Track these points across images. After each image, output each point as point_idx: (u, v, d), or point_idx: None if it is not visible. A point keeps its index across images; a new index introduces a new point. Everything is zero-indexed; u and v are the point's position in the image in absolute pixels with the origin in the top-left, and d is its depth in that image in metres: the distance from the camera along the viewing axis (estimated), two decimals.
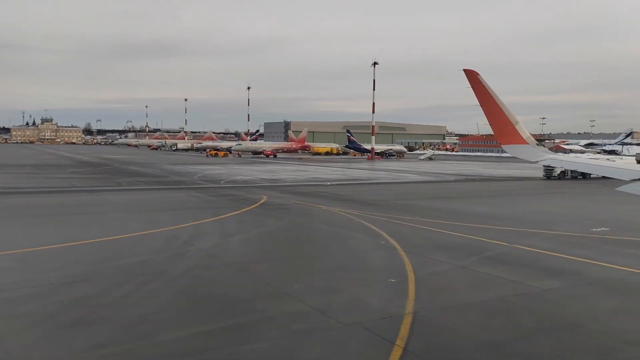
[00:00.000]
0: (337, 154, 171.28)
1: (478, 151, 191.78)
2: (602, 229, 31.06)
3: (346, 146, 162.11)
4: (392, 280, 18.84)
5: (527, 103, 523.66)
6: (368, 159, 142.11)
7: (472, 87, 14.46)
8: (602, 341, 13.55)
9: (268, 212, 36.54)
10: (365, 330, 13.76)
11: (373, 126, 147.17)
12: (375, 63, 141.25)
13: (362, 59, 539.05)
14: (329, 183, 61.46)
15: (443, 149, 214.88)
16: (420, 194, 51.66)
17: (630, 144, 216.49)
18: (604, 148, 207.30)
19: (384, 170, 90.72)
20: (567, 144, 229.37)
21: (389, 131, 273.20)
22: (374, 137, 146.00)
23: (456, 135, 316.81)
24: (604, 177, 68.84)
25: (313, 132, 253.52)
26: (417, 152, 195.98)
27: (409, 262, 21.62)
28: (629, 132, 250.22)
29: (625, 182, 12.65)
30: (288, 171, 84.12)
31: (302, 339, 13.18)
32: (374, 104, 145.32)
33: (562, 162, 16.45)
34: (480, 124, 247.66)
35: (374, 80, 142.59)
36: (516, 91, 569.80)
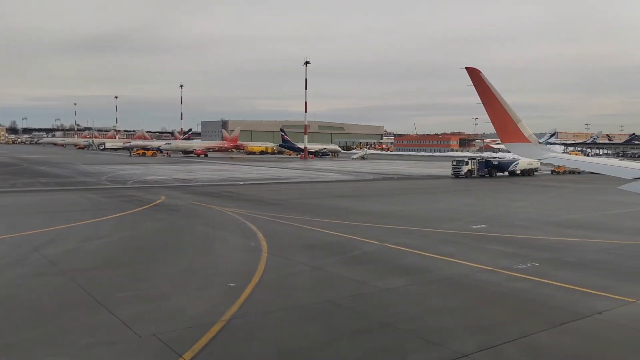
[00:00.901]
0: (272, 153, 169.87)
1: (411, 150, 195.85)
2: (482, 225, 31.60)
3: (280, 145, 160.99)
4: (232, 284, 17.90)
5: (459, 103, 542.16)
6: (301, 158, 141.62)
7: (474, 85, 14.15)
8: (403, 342, 13.14)
9: (153, 214, 34.82)
10: (159, 343, 12.69)
11: (306, 126, 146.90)
12: (307, 62, 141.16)
13: (306, 59, 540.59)
14: (242, 183, 60.12)
15: (379, 149, 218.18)
16: (329, 192, 51.31)
17: (554, 143, 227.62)
18: None
19: (309, 170, 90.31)
20: (498, 144, 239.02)
21: (329, 131, 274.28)
22: (306, 136, 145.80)
23: (394, 135, 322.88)
24: (522, 174, 72.70)
25: (251, 131, 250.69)
26: (353, 151, 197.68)
27: (264, 265, 20.79)
28: (553, 132, 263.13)
29: (627, 181, 12.62)
30: (208, 171, 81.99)
31: (80, 355, 11.95)
32: (306, 103, 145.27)
33: (564, 160, 16.00)
34: (417, 124, 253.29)
35: (306, 80, 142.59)
36: (450, 92, 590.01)
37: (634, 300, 16.74)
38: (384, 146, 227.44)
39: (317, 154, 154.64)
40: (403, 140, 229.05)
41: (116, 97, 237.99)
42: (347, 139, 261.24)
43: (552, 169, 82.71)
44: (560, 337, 13.71)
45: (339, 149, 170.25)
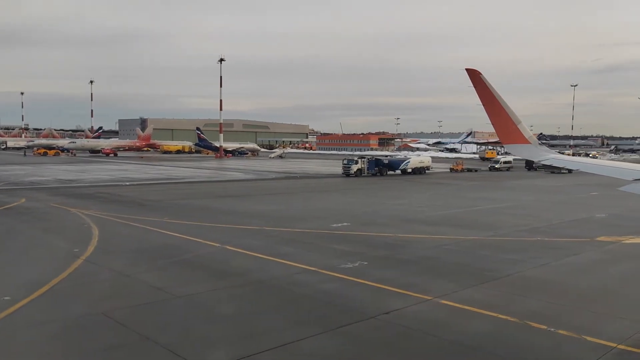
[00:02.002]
0: (190, 152, 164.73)
1: (333, 149, 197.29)
2: (343, 224, 31.33)
3: (195, 144, 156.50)
4: (7, 298, 16.02)
5: (386, 104, 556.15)
6: (216, 157, 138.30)
7: (475, 87, 13.94)
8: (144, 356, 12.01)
9: None
10: None
11: (221, 124, 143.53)
12: (221, 60, 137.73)
13: (234, 57, 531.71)
14: (127, 183, 57.07)
15: (302, 147, 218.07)
16: (216, 192, 49.60)
17: (470, 142, 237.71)
18: (446, 146, 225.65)
19: (215, 169, 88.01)
20: (419, 143, 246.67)
21: (253, 129, 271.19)
22: (221, 135, 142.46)
23: (321, 134, 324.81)
24: (417, 172, 74.79)
25: (172, 129, 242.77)
26: (272, 150, 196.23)
27: (67, 273, 19.02)
28: (469, 131, 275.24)
29: (627, 182, 12.36)
30: (104, 171, 77.55)
31: None
32: (221, 101, 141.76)
33: (564, 161, 15.70)
34: (343, 124, 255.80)
35: (221, 77, 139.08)
36: (377, 92, 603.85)
37: (430, 298, 16.64)
38: (307, 145, 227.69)
39: (235, 153, 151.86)
40: (325, 140, 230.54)
41: (22, 93, 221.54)
42: (271, 138, 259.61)
43: (451, 167, 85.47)
44: (324, 341, 13.14)
45: (258, 147, 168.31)
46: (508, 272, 20.43)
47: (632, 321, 14.86)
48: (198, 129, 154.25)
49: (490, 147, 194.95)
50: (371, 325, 14.26)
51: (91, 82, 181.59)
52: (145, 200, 42.29)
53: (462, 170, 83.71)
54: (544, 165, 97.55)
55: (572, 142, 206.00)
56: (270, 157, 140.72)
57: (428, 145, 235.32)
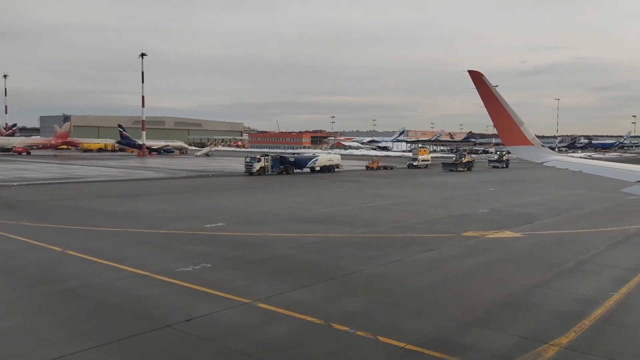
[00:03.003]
0: (113, 150, 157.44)
1: (266, 147, 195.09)
2: (218, 224, 30.12)
3: (117, 142, 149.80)
4: None
5: (323, 102, 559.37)
6: (138, 155, 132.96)
7: (477, 88, 13.71)
8: None
9: None
10: None
11: (143, 121, 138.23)
12: (142, 54, 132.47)
13: (165, 53, 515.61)
14: (16, 183, 53.09)
15: (234, 146, 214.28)
16: (103, 192, 46.87)
17: (402, 140, 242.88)
18: (378, 145, 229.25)
19: (128, 168, 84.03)
20: (353, 141, 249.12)
21: (185, 127, 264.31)
22: (144, 132, 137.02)
23: (257, 132, 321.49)
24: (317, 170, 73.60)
25: (99, 127, 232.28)
26: (197, 148, 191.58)
27: None
28: (402, 130, 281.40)
29: (630, 184, 12.12)
30: (0, 170, 72.09)
31: None
32: (143, 97, 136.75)
33: (567, 163, 15.06)
34: (282, 122, 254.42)
35: (142, 73, 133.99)
36: (315, 90, 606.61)
37: (249, 302, 15.75)
38: (239, 143, 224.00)
39: (160, 151, 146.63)
40: (258, 138, 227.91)
41: None
42: (205, 136, 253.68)
43: (367, 164, 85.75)
44: (88, 356, 11.90)
45: (186, 145, 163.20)
46: (355, 269, 20.02)
47: (439, 318, 14.64)
48: (120, 126, 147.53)
49: (420, 145, 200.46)
50: (158, 336, 13.16)
51: (5, 76, 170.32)
52: (21, 201, 39.24)
53: (378, 168, 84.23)
54: (490, 160, 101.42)
55: (494, 141, 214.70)
56: (196, 156, 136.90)
57: (362, 143, 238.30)
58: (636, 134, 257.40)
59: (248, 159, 69.37)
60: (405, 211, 36.85)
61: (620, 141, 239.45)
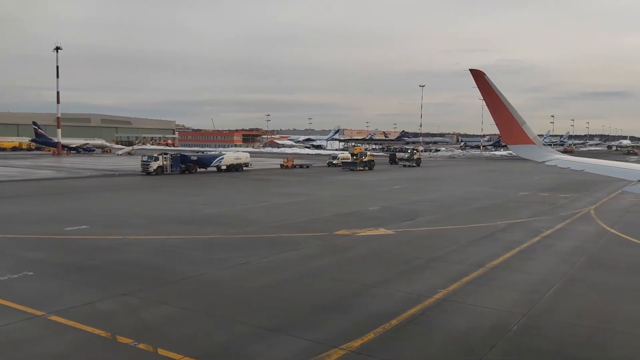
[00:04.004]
0: (28, 149, 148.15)
1: (197, 145, 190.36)
2: (81, 227, 28.10)
3: (32, 140, 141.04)
4: None
5: (259, 100, 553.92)
6: (54, 154, 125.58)
7: (478, 87, 13.62)
8: None
9: None
10: None
11: (58, 118, 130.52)
12: (57, 48, 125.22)
13: (95, 48, 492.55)
14: None
15: (163, 144, 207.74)
16: None
17: (336, 139, 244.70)
18: (313, 143, 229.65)
19: (35, 167, 78.68)
20: (289, 139, 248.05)
21: (113, 125, 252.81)
22: (59, 130, 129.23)
23: (192, 130, 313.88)
24: (239, 169, 71.48)
25: (18, 124, 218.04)
26: (135, 146, 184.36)
27: None
28: (337, 129, 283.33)
29: (631, 182, 11.97)
30: None
31: None
32: (58, 93, 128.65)
33: (568, 162, 14.96)
34: (217, 121, 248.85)
35: (57, 67, 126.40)
36: (252, 89, 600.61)
37: (41, 314, 14.26)
38: (169, 142, 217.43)
39: (79, 150, 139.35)
40: (188, 136, 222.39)
41: None
42: (134, 134, 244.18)
43: (281, 163, 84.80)
44: None
45: (107, 144, 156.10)
46: (197, 273, 18.96)
47: (243, 325, 13.80)
48: (35, 123, 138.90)
49: (353, 144, 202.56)
50: None
51: None
52: None
53: (293, 167, 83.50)
54: (399, 159, 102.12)
55: (421, 139, 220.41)
56: (117, 154, 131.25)
57: (297, 142, 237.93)
58: (555, 133, 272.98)
59: (145, 158, 66.22)
60: (295, 210, 36.18)
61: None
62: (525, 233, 27.94)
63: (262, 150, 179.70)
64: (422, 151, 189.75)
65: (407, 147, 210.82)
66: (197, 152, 75.99)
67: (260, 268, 20.08)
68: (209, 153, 75.95)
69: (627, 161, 41.95)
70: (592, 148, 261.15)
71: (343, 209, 37.02)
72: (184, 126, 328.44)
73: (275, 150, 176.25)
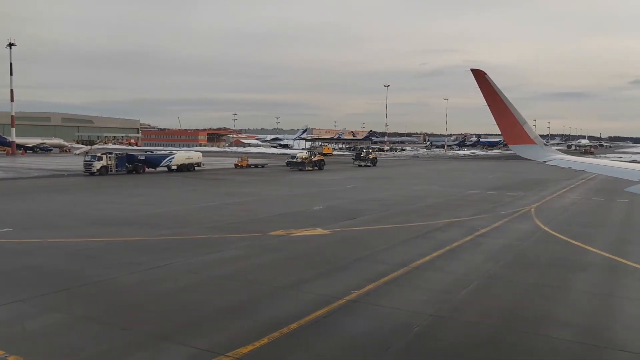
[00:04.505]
0: None
1: (161, 145, 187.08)
2: (4, 230, 26.79)
3: None
4: None
5: (227, 99, 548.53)
6: (7, 154, 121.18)
7: (480, 87, 13.60)
8: None
9: None
10: None
11: (12, 116, 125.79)
12: (10, 44, 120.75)
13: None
14: None
15: (126, 143, 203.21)
16: None
17: (303, 139, 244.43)
18: (280, 143, 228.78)
19: None
20: (256, 139, 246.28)
21: (75, 124, 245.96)
22: (13, 129, 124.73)
23: (159, 129, 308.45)
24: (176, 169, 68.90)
25: None
26: (97, 146, 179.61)
27: None
28: (304, 128, 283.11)
29: (634, 183, 11.87)
30: None
31: None
32: (12, 91, 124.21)
33: (569, 162, 14.75)
34: (184, 120, 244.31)
35: (11, 64, 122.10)
36: (221, 87, 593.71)
37: None
38: (132, 141, 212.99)
39: (35, 149, 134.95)
40: (152, 135, 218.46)
41: None
42: (96, 133, 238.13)
43: (235, 162, 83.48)
44: None
45: (65, 143, 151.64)
46: (105, 277, 18.07)
47: (133, 332, 13.07)
48: None
49: (320, 143, 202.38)
50: None
51: None
52: None
53: (248, 166, 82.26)
54: (353, 159, 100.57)
55: (385, 139, 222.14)
56: (75, 154, 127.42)
57: (264, 141, 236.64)
58: None
59: (88, 158, 64.09)
60: (238, 210, 35.46)
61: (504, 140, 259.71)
62: (460, 232, 27.97)
63: (226, 149, 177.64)
64: (387, 150, 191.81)
65: (372, 146, 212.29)
66: (146, 151, 73.93)
67: (175, 271, 19.32)
68: (158, 152, 74.00)
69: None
70: (553, 147, 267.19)
71: (287, 208, 36.49)
72: (149, 125, 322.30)
73: (240, 149, 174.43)
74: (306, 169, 77.14)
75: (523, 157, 15.14)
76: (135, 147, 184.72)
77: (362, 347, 12.60)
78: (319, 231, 27.83)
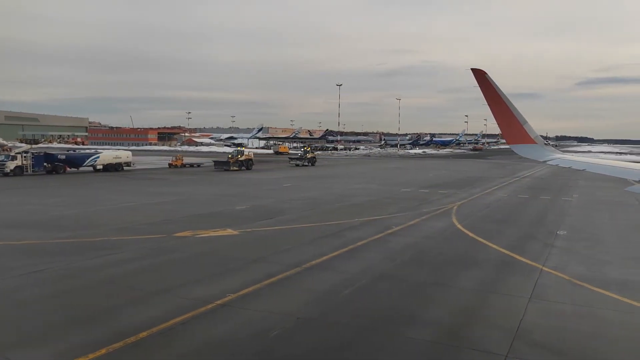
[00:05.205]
0: None
1: (109, 144, 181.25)
2: None
3: None
4: None
5: (183, 97, 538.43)
6: None
7: (480, 87, 13.47)
8: None
9: None
10: None
11: None
12: None
13: (22, 42, 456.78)
14: None
15: (72, 142, 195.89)
16: None
17: (258, 138, 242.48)
18: (234, 142, 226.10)
19: None
20: (211, 137, 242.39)
21: (18, 122, 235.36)
22: None
23: (110, 127, 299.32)
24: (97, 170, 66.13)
25: None
26: (41, 145, 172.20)
27: None
28: (260, 127, 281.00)
29: (633, 183, 12.61)
30: None
31: None
32: None
33: (570, 161, 14.59)
34: (137, 118, 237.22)
35: None
36: (177, 86, 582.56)
37: None
38: (78, 140, 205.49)
39: None
40: (99, 134, 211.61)
41: None
42: (42, 132, 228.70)
43: (170, 162, 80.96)
44: None
45: (5, 142, 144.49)
46: None
47: None
48: None
49: (277, 142, 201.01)
50: None
51: None
52: None
53: (183, 165, 79.63)
54: (290, 159, 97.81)
55: (339, 138, 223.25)
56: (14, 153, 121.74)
57: (219, 140, 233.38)
58: (469, 132, 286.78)
59: (1, 157, 60.84)
60: (156, 210, 34.18)
61: (457, 138, 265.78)
62: (373, 230, 27.82)
63: (177, 148, 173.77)
64: (341, 149, 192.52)
65: (327, 145, 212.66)
66: (68, 150, 70.81)
67: (52, 276, 18.17)
68: (81, 152, 70.89)
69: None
70: (503, 146, 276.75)
71: (208, 208, 35.52)
72: (99, 123, 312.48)
73: (191, 149, 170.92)
74: (231, 169, 73.23)
75: (523, 156, 15.05)
76: (81, 146, 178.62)
77: (208, 355, 11.99)
78: (228, 232, 27.07)
